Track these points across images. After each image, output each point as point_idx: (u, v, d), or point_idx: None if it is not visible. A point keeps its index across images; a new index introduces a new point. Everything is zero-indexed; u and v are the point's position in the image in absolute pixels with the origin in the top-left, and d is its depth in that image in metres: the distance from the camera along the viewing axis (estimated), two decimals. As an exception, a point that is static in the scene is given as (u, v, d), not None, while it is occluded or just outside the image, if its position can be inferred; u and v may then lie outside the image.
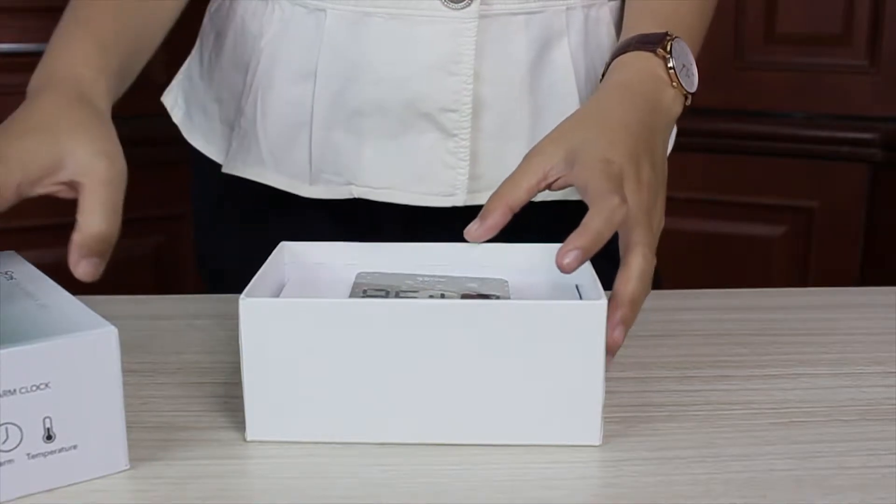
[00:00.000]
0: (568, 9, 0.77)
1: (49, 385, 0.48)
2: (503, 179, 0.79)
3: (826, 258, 1.63)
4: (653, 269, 0.58)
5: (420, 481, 0.51)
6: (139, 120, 1.41)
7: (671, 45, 0.69)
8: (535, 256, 0.63)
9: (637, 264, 0.57)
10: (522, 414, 0.54)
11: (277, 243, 0.63)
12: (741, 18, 1.59)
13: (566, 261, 0.54)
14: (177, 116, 0.88)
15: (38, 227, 1.30)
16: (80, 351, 0.49)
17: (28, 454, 0.48)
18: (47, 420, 0.48)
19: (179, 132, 0.89)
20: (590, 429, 0.54)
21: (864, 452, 0.54)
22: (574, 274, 0.57)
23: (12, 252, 0.62)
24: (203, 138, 0.85)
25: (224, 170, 0.82)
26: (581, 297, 0.59)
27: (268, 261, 0.59)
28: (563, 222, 0.62)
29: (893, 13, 1.55)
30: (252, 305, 0.53)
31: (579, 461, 0.53)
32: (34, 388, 0.48)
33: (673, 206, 1.77)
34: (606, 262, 0.58)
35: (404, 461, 0.53)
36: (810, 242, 1.64)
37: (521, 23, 0.75)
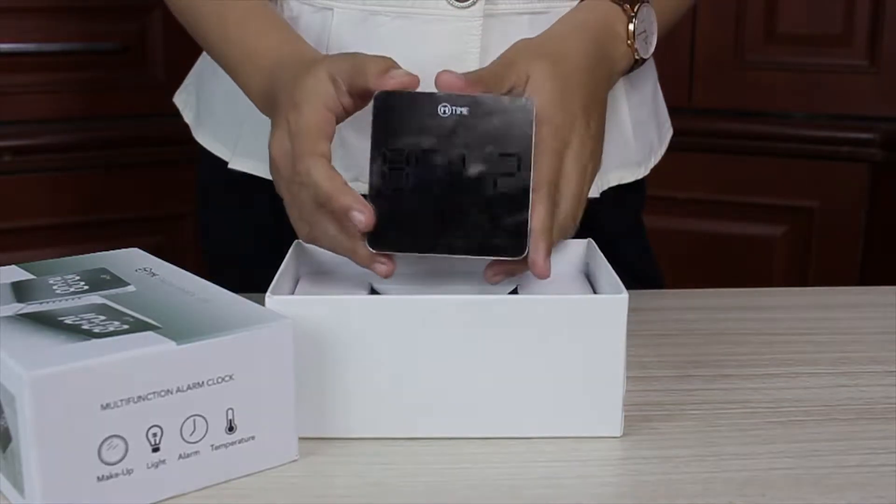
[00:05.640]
0: None
1: (233, 377, 0.49)
2: None
3: (826, 258, 1.63)
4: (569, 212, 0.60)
5: (420, 481, 0.51)
6: (139, 120, 1.41)
7: (640, 6, 0.71)
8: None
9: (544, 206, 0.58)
10: (544, 407, 0.54)
11: (287, 239, 0.63)
12: (741, 18, 1.59)
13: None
14: (188, 116, 0.88)
15: (39, 227, 1.30)
16: (260, 343, 0.50)
17: (212, 445, 0.49)
18: (230, 412, 0.49)
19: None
20: (611, 420, 0.55)
21: (863, 451, 0.54)
22: (589, 266, 0.59)
23: (136, 249, 0.63)
24: (212, 137, 0.85)
25: (231, 165, 0.82)
26: (595, 291, 0.61)
27: (286, 258, 0.60)
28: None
29: (893, 13, 1.54)
30: (278, 303, 0.53)
31: (579, 460, 0.53)
32: (220, 380, 0.49)
33: (673, 206, 1.76)
34: (619, 271, 0.59)
35: (404, 461, 0.53)
36: (810, 242, 1.63)
37: (525, 23, 0.76)
